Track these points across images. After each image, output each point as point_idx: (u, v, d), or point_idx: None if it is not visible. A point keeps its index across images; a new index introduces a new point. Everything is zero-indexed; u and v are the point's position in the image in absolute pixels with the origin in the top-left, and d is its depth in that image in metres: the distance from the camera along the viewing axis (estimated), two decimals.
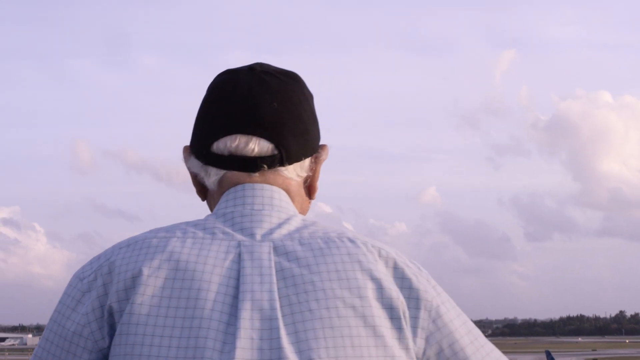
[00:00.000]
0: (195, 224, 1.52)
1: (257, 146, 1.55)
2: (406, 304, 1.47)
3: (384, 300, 1.45)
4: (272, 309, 1.41)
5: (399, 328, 1.46)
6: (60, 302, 1.50)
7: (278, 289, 1.44)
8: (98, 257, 1.52)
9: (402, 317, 1.46)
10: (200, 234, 1.49)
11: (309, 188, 1.64)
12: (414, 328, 1.48)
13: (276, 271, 1.45)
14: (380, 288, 1.46)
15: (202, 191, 1.64)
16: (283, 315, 1.42)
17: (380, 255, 1.50)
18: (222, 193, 1.58)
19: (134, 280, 1.44)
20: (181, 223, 1.53)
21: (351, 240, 1.51)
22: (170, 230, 1.51)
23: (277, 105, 1.56)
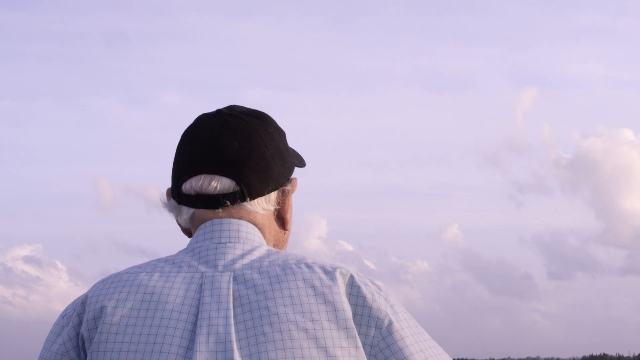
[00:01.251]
0: (166, 260, 1.63)
1: (219, 184, 1.64)
2: (360, 322, 1.54)
3: (338, 322, 1.52)
4: (227, 332, 1.51)
5: (355, 347, 1.52)
6: (46, 338, 1.63)
7: (235, 315, 1.53)
8: (79, 296, 1.64)
9: (356, 336, 1.52)
10: (167, 268, 1.60)
11: (281, 220, 1.72)
12: (366, 345, 1.54)
13: (234, 299, 1.54)
14: (334, 310, 1.53)
15: (185, 231, 1.74)
16: (239, 339, 1.51)
17: (339, 274, 1.57)
18: (196, 229, 1.67)
19: (102, 311, 1.56)
20: (155, 259, 1.64)
21: (308, 266, 1.58)
22: (142, 266, 1.62)
23: (238, 144, 1.65)
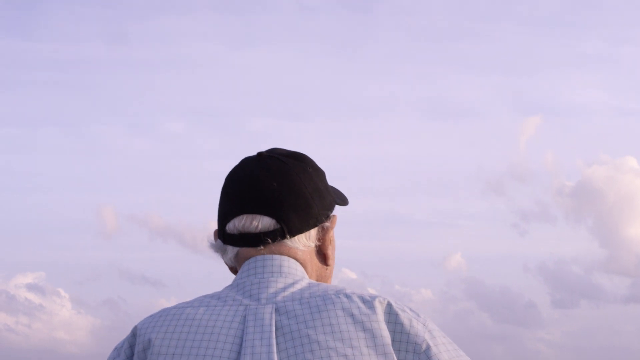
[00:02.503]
0: (212, 295, 1.72)
1: (260, 223, 1.73)
2: (399, 348, 1.62)
3: (377, 347, 1.60)
4: None
5: None
6: None
7: (278, 343, 1.61)
8: (130, 331, 1.74)
9: None
10: (213, 302, 1.70)
11: (322, 256, 1.82)
12: None
13: (276, 328, 1.63)
14: (372, 337, 1.61)
15: (232, 269, 1.83)
16: None
17: (377, 302, 1.65)
18: (240, 267, 1.77)
19: (150, 342, 1.66)
20: (201, 296, 1.74)
21: (347, 296, 1.67)
22: (189, 302, 1.72)
23: (277, 184, 1.75)
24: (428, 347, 1.63)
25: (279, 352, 1.60)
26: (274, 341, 1.61)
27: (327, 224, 1.80)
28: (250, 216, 1.74)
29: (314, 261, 1.80)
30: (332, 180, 1.91)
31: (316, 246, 1.80)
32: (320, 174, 1.84)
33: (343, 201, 1.90)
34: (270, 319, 1.64)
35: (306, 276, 1.75)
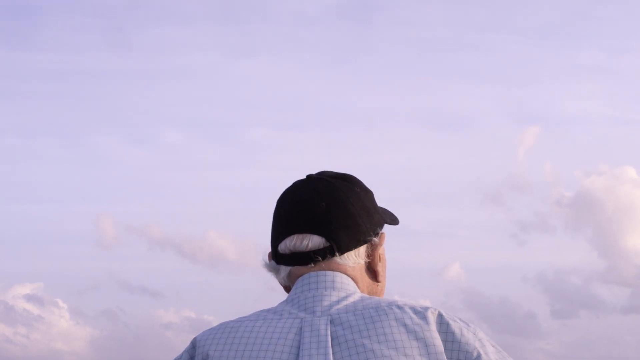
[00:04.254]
0: (268, 310, 1.80)
1: (310, 242, 1.81)
2: (450, 356, 1.68)
3: (429, 355, 1.67)
4: None
5: None
6: None
7: (334, 352, 1.68)
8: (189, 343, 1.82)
9: None
10: (270, 316, 1.77)
11: (372, 272, 1.88)
12: None
13: (332, 339, 1.70)
14: (425, 345, 1.68)
15: (286, 288, 1.90)
16: None
17: (429, 313, 1.72)
18: (294, 285, 1.84)
19: (209, 353, 1.73)
20: (258, 311, 1.81)
21: (399, 307, 1.74)
22: (247, 316, 1.80)
23: (325, 204, 1.82)
24: (479, 355, 1.69)
25: None
26: (330, 350, 1.68)
27: (375, 240, 1.87)
28: (300, 236, 1.81)
29: (365, 278, 1.87)
30: None
31: (366, 263, 1.86)
32: (368, 193, 1.91)
33: (393, 220, 1.96)
34: (326, 329, 1.71)
35: (358, 290, 1.82)
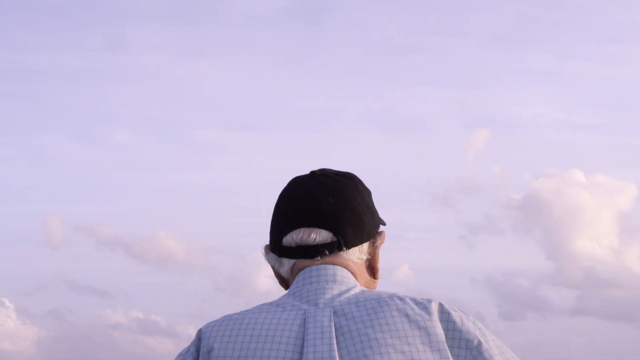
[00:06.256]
0: (271, 303, 1.83)
1: (318, 236, 1.84)
2: (452, 344, 1.73)
3: (432, 344, 1.71)
4: (332, 357, 1.69)
5: None
6: None
7: (338, 342, 1.71)
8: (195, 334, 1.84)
9: (449, 357, 1.70)
10: (273, 308, 1.80)
11: (371, 269, 1.93)
12: None
13: (335, 329, 1.73)
14: (427, 335, 1.72)
15: (283, 281, 1.93)
16: None
17: (430, 304, 1.77)
18: (294, 278, 1.86)
19: (214, 345, 1.75)
20: (261, 304, 1.84)
21: (400, 298, 1.78)
22: (250, 309, 1.82)
23: (333, 200, 1.85)
24: (479, 343, 1.74)
25: (339, 350, 1.70)
26: (334, 340, 1.71)
27: (378, 239, 1.92)
28: (308, 229, 1.84)
29: (364, 273, 1.91)
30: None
31: (367, 260, 1.91)
32: (368, 192, 1.96)
33: (382, 222, 1.99)
34: (330, 321, 1.74)
35: (358, 285, 1.85)
